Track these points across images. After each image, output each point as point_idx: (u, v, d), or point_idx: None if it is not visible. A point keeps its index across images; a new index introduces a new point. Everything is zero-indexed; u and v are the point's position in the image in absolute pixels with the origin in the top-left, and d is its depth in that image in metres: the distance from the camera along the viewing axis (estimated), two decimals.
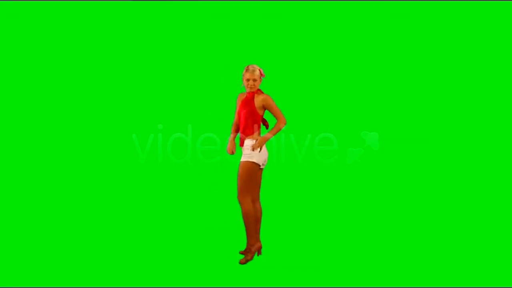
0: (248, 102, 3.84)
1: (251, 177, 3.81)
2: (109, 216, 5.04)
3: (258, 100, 3.81)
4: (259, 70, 3.84)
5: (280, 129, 3.84)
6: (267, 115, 3.95)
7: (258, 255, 3.95)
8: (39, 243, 4.23)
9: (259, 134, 3.86)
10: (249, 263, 3.80)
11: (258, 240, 3.91)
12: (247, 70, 3.82)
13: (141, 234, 4.52)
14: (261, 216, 3.93)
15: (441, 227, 4.74)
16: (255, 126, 3.84)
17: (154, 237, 4.44)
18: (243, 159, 3.83)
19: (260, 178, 3.92)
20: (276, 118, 3.85)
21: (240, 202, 3.83)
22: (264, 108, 3.84)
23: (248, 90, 3.85)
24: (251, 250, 3.85)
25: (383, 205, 5.39)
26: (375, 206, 5.37)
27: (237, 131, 3.98)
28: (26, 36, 5.86)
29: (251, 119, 3.83)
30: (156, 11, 5.91)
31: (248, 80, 3.81)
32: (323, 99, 5.92)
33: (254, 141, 3.81)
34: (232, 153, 3.98)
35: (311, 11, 5.92)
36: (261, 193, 3.96)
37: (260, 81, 3.86)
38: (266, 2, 5.91)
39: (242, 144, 3.88)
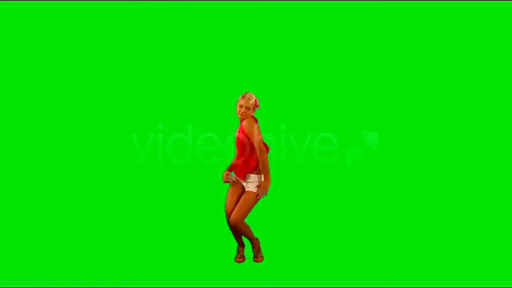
0: (241, 130, 3.71)
1: (253, 206, 3.75)
2: (109, 216, 5.04)
3: (244, 126, 3.67)
4: (255, 100, 3.71)
5: (267, 162, 3.66)
6: (261, 114, 3.89)
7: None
8: (38, 243, 4.23)
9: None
10: (247, 263, 3.80)
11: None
12: (243, 96, 3.69)
13: (141, 234, 4.51)
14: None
15: (441, 226, 4.74)
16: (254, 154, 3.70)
17: (154, 237, 4.44)
18: (252, 188, 3.74)
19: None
20: (255, 146, 3.65)
21: (237, 224, 3.69)
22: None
23: (239, 116, 3.72)
24: (259, 251, 3.90)
25: (383, 205, 5.39)
26: (375, 206, 5.36)
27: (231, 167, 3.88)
28: (26, 36, 5.86)
29: (249, 147, 3.69)
30: (156, 11, 5.91)
31: (241, 106, 3.66)
32: (323, 99, 5.92)
33: (258, 176, 3.74)
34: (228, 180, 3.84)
35: (312, 11, 5.92)
36: None
37: (253, 111, 3.71)
38: (266, 2, 5.91)
39: (243, 174, 3.77)
